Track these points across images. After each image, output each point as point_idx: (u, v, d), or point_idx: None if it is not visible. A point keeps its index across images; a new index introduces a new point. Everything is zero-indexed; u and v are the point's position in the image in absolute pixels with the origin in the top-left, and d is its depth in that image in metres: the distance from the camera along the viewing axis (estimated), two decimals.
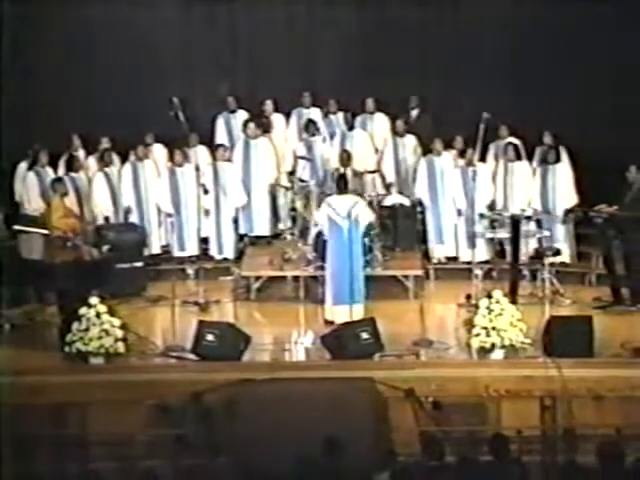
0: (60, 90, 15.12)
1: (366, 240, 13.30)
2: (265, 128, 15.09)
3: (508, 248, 13.53)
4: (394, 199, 14.51)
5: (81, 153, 14.63)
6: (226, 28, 15.80)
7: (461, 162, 14.21)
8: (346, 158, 14.21)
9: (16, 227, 12.76)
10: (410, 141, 14.89)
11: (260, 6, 15.64)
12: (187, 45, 15.70)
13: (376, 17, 15.54)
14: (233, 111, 15.33)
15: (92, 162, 14.61)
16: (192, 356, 11.36)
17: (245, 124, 14.88)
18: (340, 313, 12.14)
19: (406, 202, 14.49)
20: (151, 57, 15.38)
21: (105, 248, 12.92)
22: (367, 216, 12.54)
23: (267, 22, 15.69)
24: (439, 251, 14.37)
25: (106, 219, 14.20)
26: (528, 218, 13.48)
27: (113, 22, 15.31)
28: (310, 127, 14.92)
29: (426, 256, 14.28)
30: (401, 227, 14.29)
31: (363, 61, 15.53)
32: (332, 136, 15.02)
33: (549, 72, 14.97)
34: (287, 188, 14.73)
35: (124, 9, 15.28)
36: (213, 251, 14.50)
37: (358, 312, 12.06)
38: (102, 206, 14.23)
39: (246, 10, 15.73)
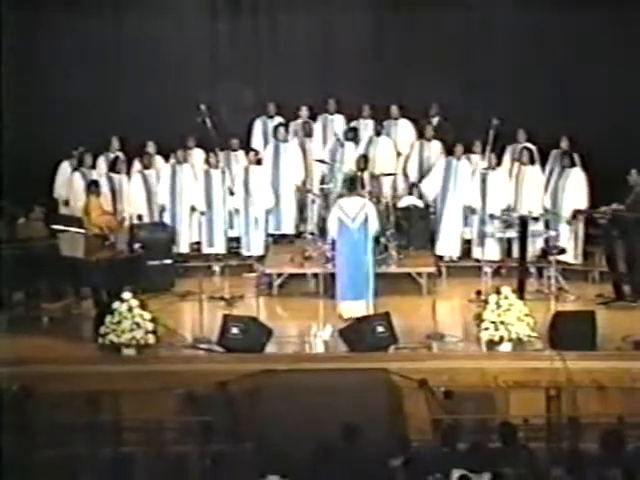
0: (97, 94, 15.19)
1: (382, 239, 13.35)
2: (307, 133, 15.10)
3: (516, 247, 13.53)
4: (409, 201, 14.53)
5: (120, 154, 14.69)
6: (251, 38, 15.81)
7: (482, 164, 14.15)
8: (363, 162, 14.22)
9: (55, 227, 12.85)
10: (436, 146, 14.89)
11: (283, 16, 15.66)
12: (214, 54, 15.72)
13: (395, 23, 15.51)
14: (271, 116, 15.37)
15: (137, 165, 14.66)
16: (218, 348, 11.41)
17: (275, 128, 14.94)
18: (350, 309, 12.16)
19: (420, 204, 14.52)
20: (183, 66, 15.45)
21: (137, 246, 12.99)
22: (374, 221, 12.53)
23: (290, 31, 15.69)
24: (445, 249, 14.35)
25: (139, 217, 14.26)
26: (535, 219, 13.48)
27: (145, 33, 15.42)
28: (349, 134, 14.89)
29: (438, 254, 14.29)
30: (415, 227, 14.31)
31: (385, 67, 15.50)
32: (358, 141, 15.02)
33: (558, 78, 14.94)
34: (308, 190, 14.77)
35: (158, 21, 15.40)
36: (243, 249, 14.56)
37: (367, 309, 12.07)
38: (136, 206, 14.30)
39: (269, 20, 15.74)
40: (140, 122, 14.98)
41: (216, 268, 14.28)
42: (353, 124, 15.19)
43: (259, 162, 14.63)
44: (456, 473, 8.46)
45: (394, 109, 15.18)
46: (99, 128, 14.79)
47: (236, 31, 15.77)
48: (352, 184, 12.74)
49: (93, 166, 14.38)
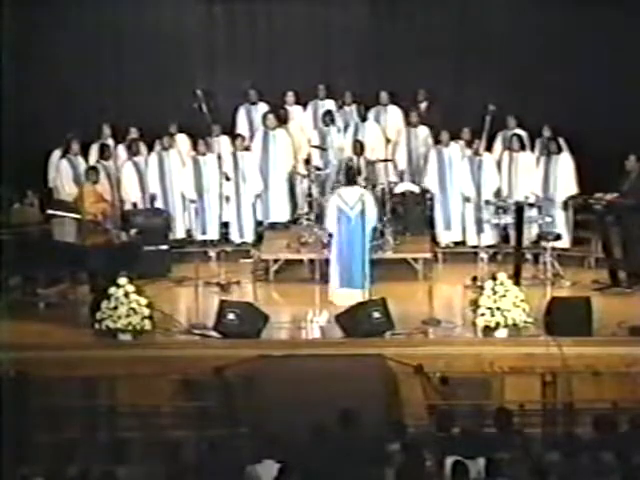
0: (90, 82, 15.19)
1: (378, 225, 13.38)
2: (283, 119, 15.14)
3: (512, 233, 13.56)
4: (405, 187, 14.55)
5: (110, 142, 14.72)
6: (246, 24, 15.81)
7: (469, 152, 14.23)
8: (359, 148, 14.26)
9: (49, 211, 12.86)
10: (422, 132, 14.93)
11: (278, 3, 15.66)
12: (210, 41, 15.72)
13: (387, 13, 15.53)
14: (254, 103, 15.38)
15: (121, 151, 14.69)
16: (214, 333, 11.42)
17: (264, 116, 14.94)
18: (345, 296, 12.19)
19: (416, 190, 14.55)
20: (176, 52, 15.43)
21: (133, 232, 12.99)
22: (372, 210, 12.54)
23: (285, 18, 15.69)
24: (446, 236, 14.43)
25: (134, 205, 14.30)
26: (531, 205, 13.53)
27: (141, 20, 15.43)
28: (326, 118, 14.97)
29: (434, 240, 14.34)
30: (411, 213, 14.36)
31: (376, 55, 15.51)
32: (346, 127, 15.06)
33: (551, 65, 14.91)
34: (304, 176, 14.80)
35: (151, 8, 15.39)
36: (234, 235, 14.59)
37: (364, 296, 12.07)
38: (130, 193, 14.33)
39: (265, 7, 15.74)
40: (127, 108, 14.98)
41: (212, 254, 14.31)
42: (341, 111, 15.21)
43: (247, 148, 14.63)
44: (450, 459, 8.50)
45: (384, 95, 15.20)
46: (95, 115, 14.79)
47: (232, 18, 15.77)
48: (350, 174, 12.76)
49: (84, 153, 14.38)
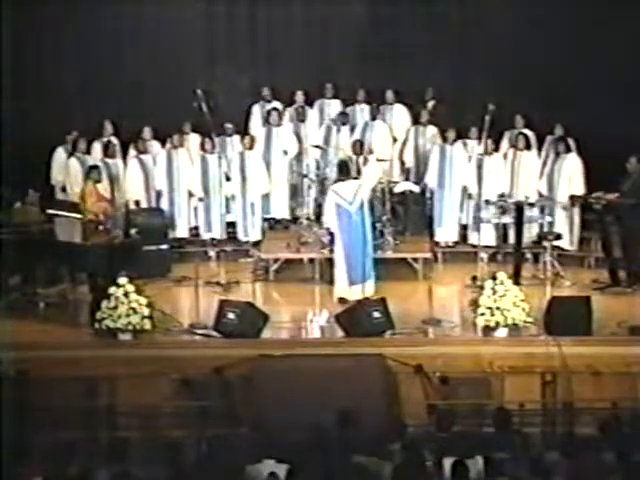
0: (90, 82, 15.20)
1: (378, 225, 13.37)
2: (300, 118, 15.11)
3: (512, 232, 13.55)
4: (404, 186, 14.54)
5: (113, 139, 14.70)
6: (246, 24, 15.81)
7: (478, 149, 14.19)
8: (359, 147, 14.25)
9: (49, 211, 12.85)
10: (431, 131, 14.91)
11: (278, 3, 15.65)
12: (210, 41, 15.72)
13: (388, 12, 15.53)
14: (269, 101, 15.36)
15: (132, 150, 14.65)
16: (214, 333, 11.42)
17: (268, 112, 14.94)
18: (354, 292, 12.20)
19: (416, 189, 14.54)
20: (176, 52, 15.44)
21: (133, 231, 12.99)
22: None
23: (285, 18, 15.68)
24: (444, 234, 14.41)
25: (136, 203, 14.29)
26: (531, 205, 13.51)
27: (141, 20, 15.44)
28: (339, 118, 14.91)
29: (434, 240, 14.33)
30: (411, 213, 14.35)
31: (376, 55, 15.51)
32: (353, 126, 15.03)
33: (555, 65, 14.92)
34: (304, 175, 14.79)
35: (151, 8, 15.41)
36: (240, 234, 14.58)
37: (370, 289, 12.12)
38: (134, 191, 14.31)
39: (265, 7, 15.73)
40: (137, 107, 15.00)
41: (212, 253, 14.31)
42: (349, 109, 15.22)
43: (251, 147, 14.64)
44: (450, 458, 8.49)
45: (389, 94, 15.20)
46: (96, 113, 14.80)
47: (233, 15, 15.76)
48: (345, 169, 12.76)
49: (87, 151, 14.40)
